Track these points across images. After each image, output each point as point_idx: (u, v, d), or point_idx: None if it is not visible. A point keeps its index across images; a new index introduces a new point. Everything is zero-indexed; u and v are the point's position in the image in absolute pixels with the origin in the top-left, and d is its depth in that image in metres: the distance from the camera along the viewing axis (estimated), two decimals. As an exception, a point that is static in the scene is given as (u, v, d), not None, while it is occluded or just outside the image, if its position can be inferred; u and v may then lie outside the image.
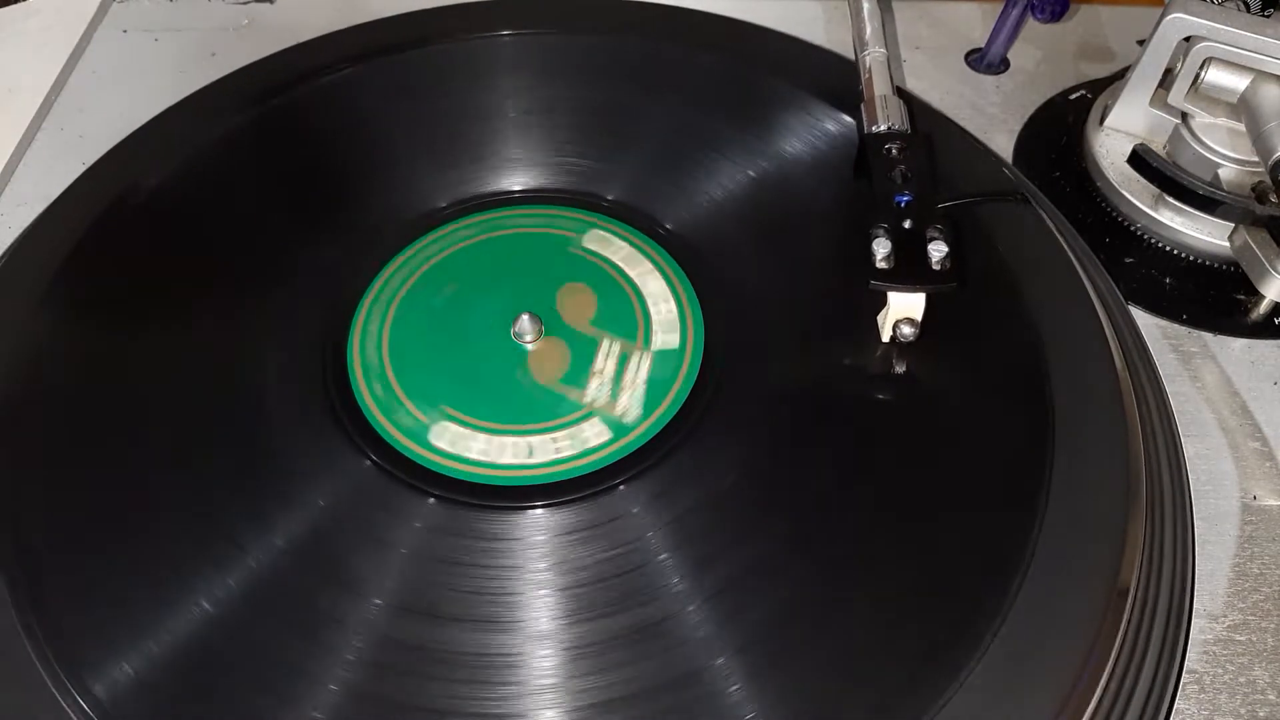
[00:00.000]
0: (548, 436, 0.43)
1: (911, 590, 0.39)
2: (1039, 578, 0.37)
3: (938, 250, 0.43)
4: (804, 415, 0.44)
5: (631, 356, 0.45)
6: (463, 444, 0.43)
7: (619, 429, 0.43)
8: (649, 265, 0.48)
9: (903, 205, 0.45)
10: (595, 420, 0.44)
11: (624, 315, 0.47)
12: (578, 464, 0.43)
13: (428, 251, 0.50)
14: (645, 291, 0.48)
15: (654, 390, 0.44)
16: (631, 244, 0.49)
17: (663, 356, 0.45)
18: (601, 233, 0.50)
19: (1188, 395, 0.48)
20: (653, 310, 0.47)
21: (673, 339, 0.46)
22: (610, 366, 0.45)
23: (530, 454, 0.43)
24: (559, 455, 0.43)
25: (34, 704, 0.36)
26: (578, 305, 0.48)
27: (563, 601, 0.39)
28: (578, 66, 0.57)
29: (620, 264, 0.49)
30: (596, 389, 0.45)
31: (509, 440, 0.43)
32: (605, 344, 0.45)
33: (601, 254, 0.49)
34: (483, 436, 0.44)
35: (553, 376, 0.45)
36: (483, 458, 0.43)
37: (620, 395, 0.44)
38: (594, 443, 0.43)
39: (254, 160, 0.53)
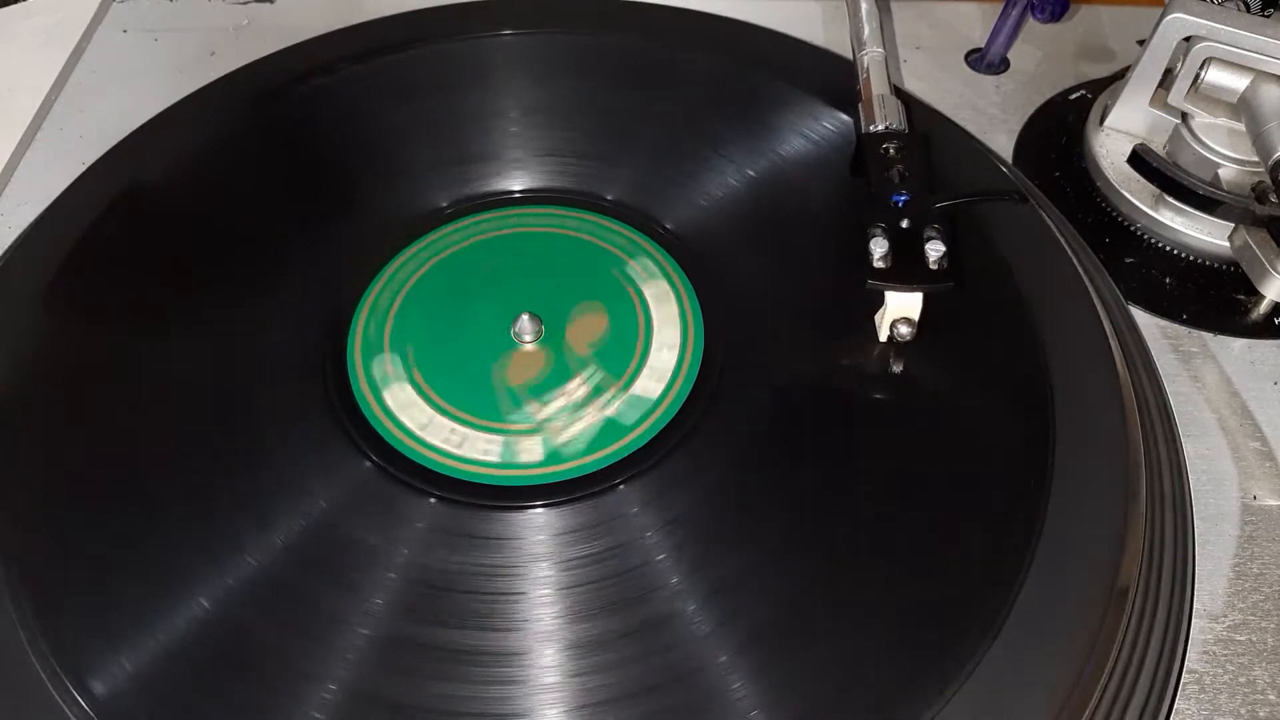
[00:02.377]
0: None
1: (911, 590, 0.39)
2: (1039, 578, 0.37)
3: (935, 250, 0.44)
4: (803, 415, 0.44)
5: (605, 393, 0.44)
6: (468, 445, 0.43)
7: (554, 455, 0.43)
8: (674, 308, 0.47)
9: (900, 205, 0.45)
10: (536, 438, 0.43)
11: (623, 350, 0.46)
12: (578, 464, 0.43)
13: (428, 251, 0.50)
14: (655, 334, 0.47)
15: (607, 432, 0.43)
16: (668, 281, 0.48)
17: (634, 402, 0.44)
18: (649, 262, 0.49)
19: (1188, 395, 0.48)
20: (653, 354, 0.46)
21: (666, 366, 0.45)
22: (581, 393, 0.44)
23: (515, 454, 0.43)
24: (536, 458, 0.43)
25: (33, 704, 0.36)
26: (587, 327, 0.47)
27: (563, 601, 0.39)
28: (577, 66, 0.57)
29: (649, 300, 0.48)
30: (556, 409, 0.44)
31: (514, 439, 0.44)
32: (588, 371, 0.45)
33: (636, 283, 0.48)
34: (482, 435, 0.44)
35: (511, 382, 0.45)
36: (484, 457, 0.43)
37: (573, 424, 0.43)
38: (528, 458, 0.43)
39: (254, 160, 0.53)
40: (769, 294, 0.48)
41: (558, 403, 0.44)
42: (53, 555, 0.39)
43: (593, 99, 0.56)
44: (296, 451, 0.43)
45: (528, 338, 0.46)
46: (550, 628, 0.38)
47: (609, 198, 0.52)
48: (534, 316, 0.46)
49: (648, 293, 0.48)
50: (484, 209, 0.52)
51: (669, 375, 0.45)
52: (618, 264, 0.49)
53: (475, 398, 0.45)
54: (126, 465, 0.42)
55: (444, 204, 0.52)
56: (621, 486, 0.42)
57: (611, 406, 0.44)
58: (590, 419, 0.44)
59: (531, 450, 0.43)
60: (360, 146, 0.54)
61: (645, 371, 0.45)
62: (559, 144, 0.54)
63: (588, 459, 0.43)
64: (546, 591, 0.39)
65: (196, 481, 0.42)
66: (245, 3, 0.68)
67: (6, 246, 0.52)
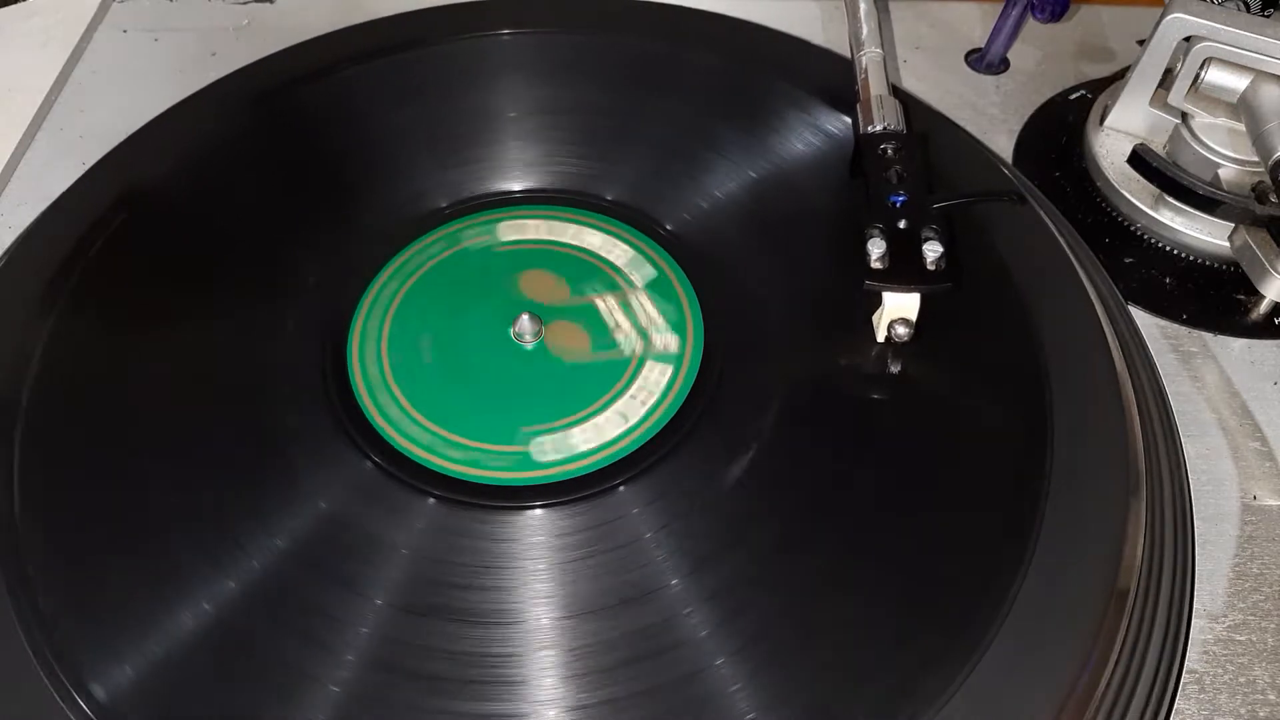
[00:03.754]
0: (547, 438, 0.44)
1: (911, 590, 0.39)
2: (1039, 578, 0.37)
3: (933, 250, 0.44)
4: (803, 415, 0.44)
5: (630, 301, 0.45)
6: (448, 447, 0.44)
7: (669, 360, 0.44)
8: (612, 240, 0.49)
9: (898, 205, 0.45)
10: (611, 412, 0.44)
11: (592, 275, 0.48)
12: (578, 464, 0.43)
13: (428, 251, 0.50)
14: (589, 246, 0.48)
15: (671, 316, 0.45)
16: (667, 281, 0.49)
17: (653, 287, 0.45)
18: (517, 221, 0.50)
19: (1188, 395, 0.48)
20: (612, 259, 0.47)
21: (671, 342, 0.46)
22: (623, 319, 0.45)
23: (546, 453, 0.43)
24: (564, 454, 0.43)
25: (34, 704, 0.36)
26: (544, 287, 0.48)
27: (563, 602, 0.39)
28: (577, 66, 0.57)
29: (610, 258, 0.49)
30: (627, 341, 0.44)
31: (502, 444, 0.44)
32: (602, 303, 0.45)
33: (594, 251, 0.49)
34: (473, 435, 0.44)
35: (583, 351, 0.46)
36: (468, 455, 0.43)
37: (651, 334, 0.44)
38: (612, 434, 0.43)
39: (254, 160, 0.53)
40: (768, 294, 0.48)
41: (621, 337, 0.45)
42: (53, 556, 0.39)
43: (593, 98, 0.56)
44: (297, 452, 0.43)
45: (528, 337, 0.46)
46: (550, 628, 0.38)
47: (609, 198, 0.52)
48: (534, 317, 0.46)
49: (588, 246, 0.49)
50: (484, 209, 0.52)
51: (664, 383, 0.45)
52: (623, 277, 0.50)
53: (471, 395, 0.45)
54: (127, 466, 0.42)
55: (444, 204, 0.52)
56: (621, 487, 0.42)
57: (646, 302, 0.45)
58: (652, 319, 0.45)
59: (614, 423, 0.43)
60: (360, 146, 0.54)
61: (626, 269, 0.47)
62: (559, 144, 0.54)
63: (589, 460, 0.43)
64: (546, 591, 0.39)
65: (197, 482, 0.42)
66: (245, 3, 0.68)
67: (6, 246, 0.52)
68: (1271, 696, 0.40)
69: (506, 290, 0.49)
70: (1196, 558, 0.43)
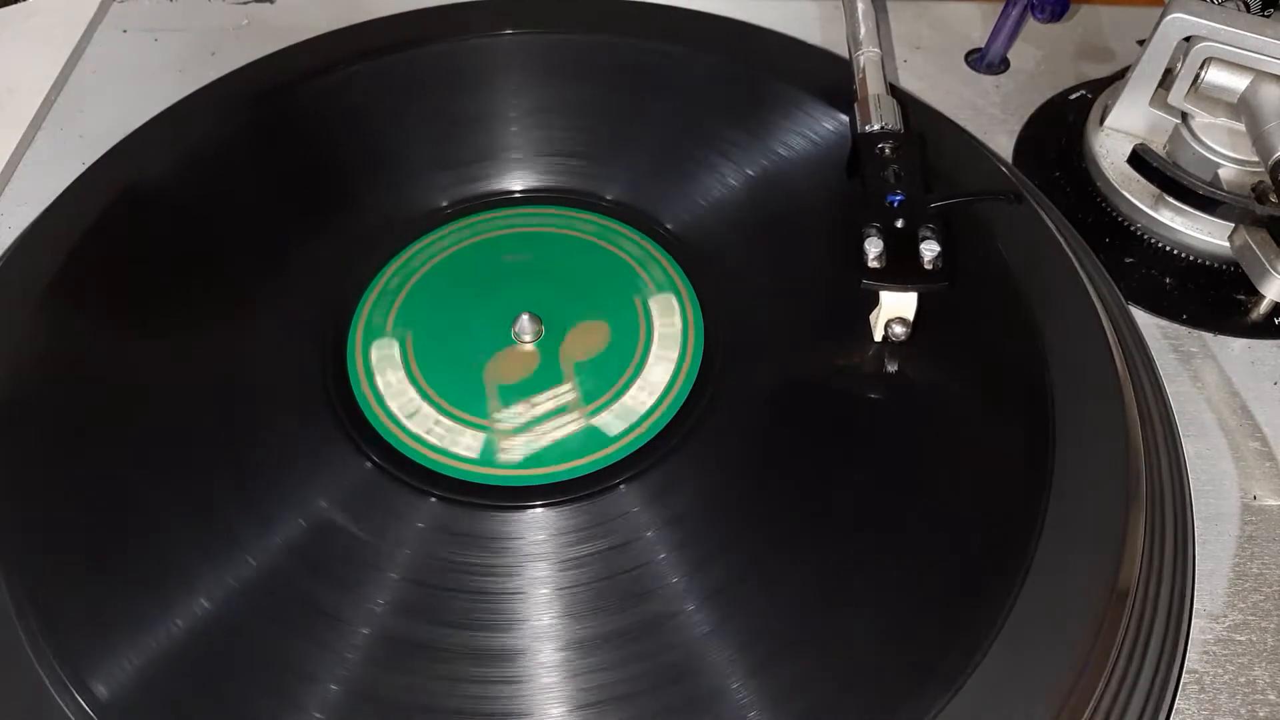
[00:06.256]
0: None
1: (911, 590, 0.39)
2: (1039, 578, 0.37)
3: (929, 250, 0.43)
4: (803, 415, 0.44)
5: (566, 414, 0.44)
6: (451, 438, 0.44)
7: (487, 457, 0.43)
8: (676, 316, 0.47)
9: (895, 205, 0.45)
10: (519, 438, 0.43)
11: (615, 367, 0.46)
12: (578, 464, 0.43)
13: (428, 251, 0.50)
14: (653, 350, 0.46)
15: (552, 452, 0.43)
16: (670, 284, 0.48)
17: (591, 433, 0.43)
18: (659, 272, 0.48)
19: (1188, 395, 0.48)
20: (647, 369, 0.45)
21: (658, 381, 0.45)
22: (541, 410, 0.44)
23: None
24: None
25: (34, 703, 0.36)
26: (586, 340, 0.47)
27: (562, 601, 0.39)
28: (577, 66, 0.57)
29: (654, 314, 0.47)
30: (510, 415, 0.44)
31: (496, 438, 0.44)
32: (562, 387, 0.45)
33: (645, 296, 0.48)
34: (470, 433, 0.44)
35: (499, 379, 0.45)
36: (466, 453, 0.43)
37: (517, 437, 0.43)
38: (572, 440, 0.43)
39: (254, 160, 0.53)
40: (768, 293, 0.48)
41: (518, 409, 0.44)
42: (53, 556, 0.39)
43: (593, 99, 0.56)
44: (297, 452, 0.43)
45: (527, 337, 0.46)
46: (550, 627, 0.38)
47: (609, 198, 0.52)
48: (534, 317, 0.46)
49: (654, 307, 0.48)
50: (484, 209, 0.52)
51: (664, 382, 0.45)
52: (631, 275, 0.49)
53: (464, 391, 0.45)
54: (126, 465, 0.42)
55: (444, 204, 0.52)
56: (622, 486, 0.42)
57: (564, 430, 0.43)
58: (538, 437, 0.43)
59: (511, 451, 0.43)
60: (360, 146, 0.54)
61: (630, 392, 0.45)
62: (559, 144, 0.54)
63: (587, 459, 0.43)
64: (546, 591, 0.39)
65: (196, 481, 0.42)
66: (245, 3, 0.68)
67: (6, 246, 0.52)
68: (1271, 696, 0.40)
69: (507, 290, 0.49)
70: (1196, 558, 0.43)
